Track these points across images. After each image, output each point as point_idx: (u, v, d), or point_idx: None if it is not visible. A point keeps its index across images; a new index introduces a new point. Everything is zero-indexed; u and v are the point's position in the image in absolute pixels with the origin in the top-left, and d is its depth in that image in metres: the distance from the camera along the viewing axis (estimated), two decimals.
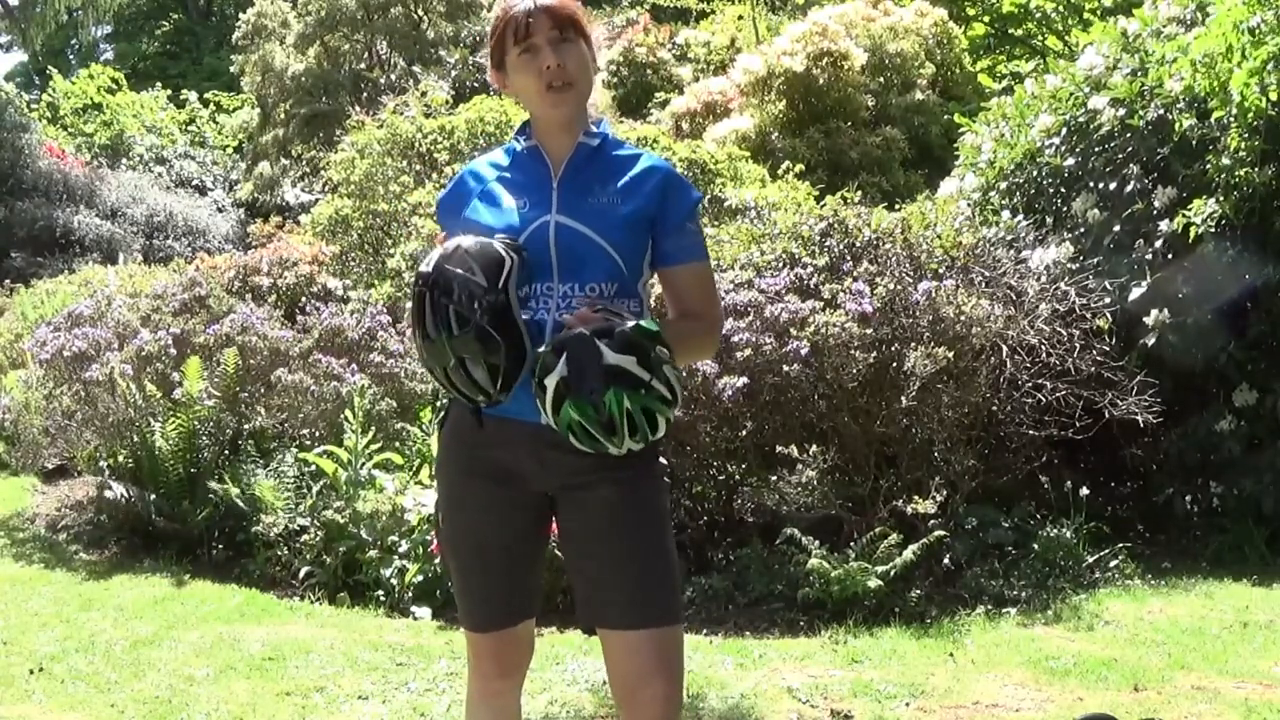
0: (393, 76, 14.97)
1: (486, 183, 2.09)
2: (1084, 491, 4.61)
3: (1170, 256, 4.86)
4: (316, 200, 10.96)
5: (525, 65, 2.02)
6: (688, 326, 2.07)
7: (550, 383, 1.82)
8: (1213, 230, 4.66)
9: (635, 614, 1.96)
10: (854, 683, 3.48)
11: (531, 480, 2.03)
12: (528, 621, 2.15)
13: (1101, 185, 5.17)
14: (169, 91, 19.95)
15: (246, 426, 5.52)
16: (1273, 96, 4.53)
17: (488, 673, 2.14)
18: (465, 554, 2.10)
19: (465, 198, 2.09)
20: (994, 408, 4.63)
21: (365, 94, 14.47)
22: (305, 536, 4.79)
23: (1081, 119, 5.36)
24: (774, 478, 4.74)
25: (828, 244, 4.92)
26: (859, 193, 5.63)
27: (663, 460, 2.11)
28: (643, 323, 1.85)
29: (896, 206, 5.52)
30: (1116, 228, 5.04)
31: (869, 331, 4.42)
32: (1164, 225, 4.85)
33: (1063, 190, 5.43)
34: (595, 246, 1.97)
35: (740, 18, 13.74)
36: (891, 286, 4.55)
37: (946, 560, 4.47)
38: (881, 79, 10.17)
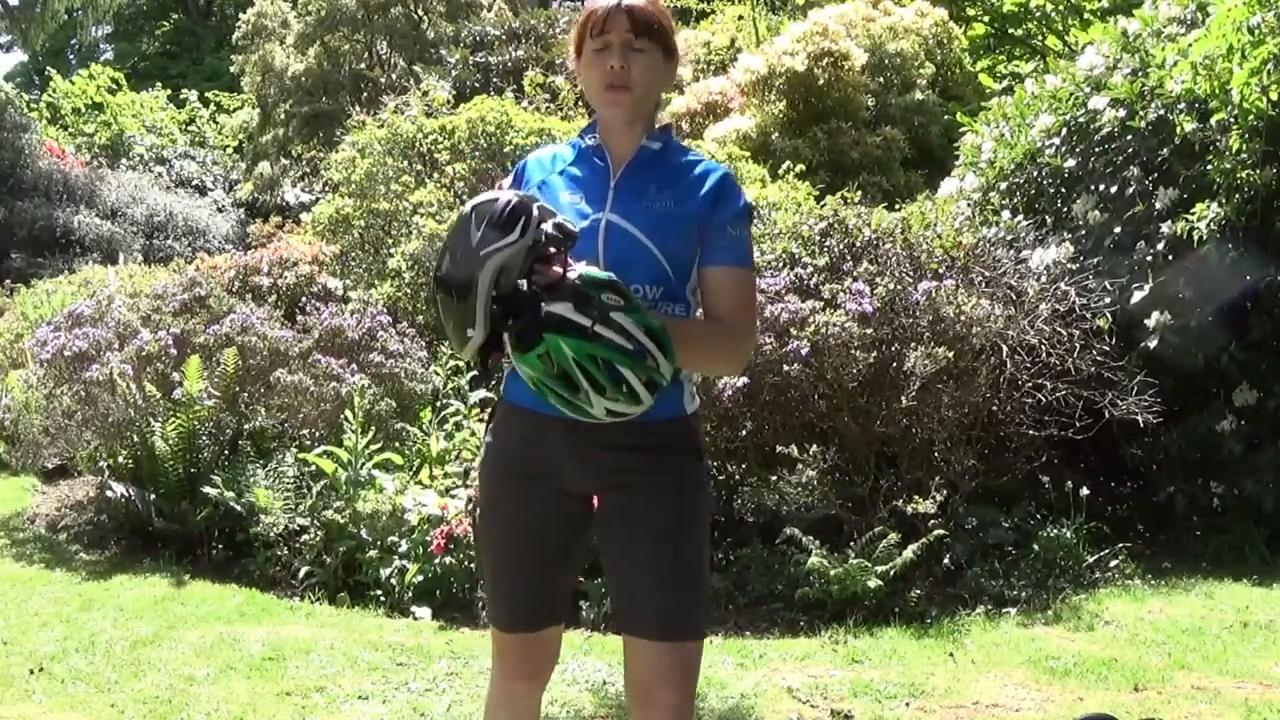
0: (393, 76, 14.95)
1: (548, 175, 2.10)
2: (1084, 491, 4.61)
3: (1171, 258, 4.86)
4: (316, 200, 10.96)
5: (594, 61, 2.05)
6: (703, 328, 2.03)
7: (508, 342, 1.83)
8: (1214, 231, 4.66)
9: (662, 628, 1.99)
10: (854, 683, 3.48)
11: (570, 479, 2.03)
12: (556, 627, 2.15)
13: (1102, 186, 5.17)
14: (169, 91, 19.93)
15: (246, 427, 5.52)
16: (1273, 97, 4.52)
17: (512, 674, 2.13)
18: (499, 552, 2.10)
19: (525, 186, 2.09)
20: (994, 408, 4.63)
21: (365, 94, 14.46)
22: (305, 536, 4.79)
23: (1082, 119, 5.36)
24: (774, 478, 4.74)
25: (828, 244, 4.92)
26: (859, 193, 5.63)
27: (707, 461, 2.10)
28: (586, 272, 1.82)
29: (896, 206, 5.52)
30: (1117, 229, 5.05)
31: (869, 331, 4.42)
32: (1165, 227, 4.85)
33: (1063, 191, 5.43)
34: (643, 249, 1.98)
35: (740, 18, 13.73)
36: (891, 286, 4.55)
37: (946, 560, 4.47)
38: (882, 79, 10.17)
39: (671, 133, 2.14)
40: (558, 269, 1.81)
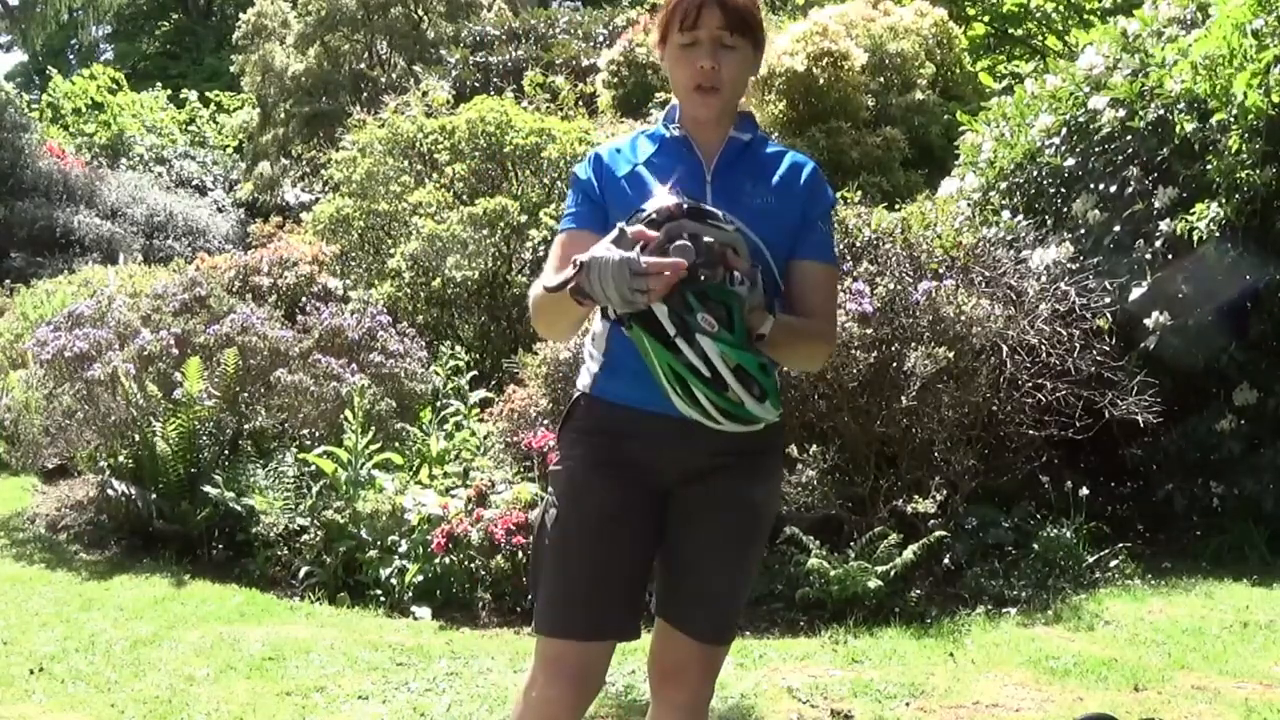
0: (393, 76, 14.96)
1: (634, 165, 1.99)
2: (1084, 491, 4.61)
3: (1170, 257, 4.86)
4: (316, 200, 10.95)
5: (683, 58, 1.96)
6: (810, 327, 1.96)
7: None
8: (1214, 231, 4.66)
9: (705, 630, 2.03)
10: (854, 683, 3.48)
11: (657, 475, 1.97)
12: (613, 644, 2.02)
13: (1102, 186, 5.17)
14: (169, 91, 19.92)
15: (246, 427, 5.52)
16: (1275, 99, 4.52)
17: (563, 691, 1.94)
18: (579, 547, 1.95)
19: (606, 176, 2.00)
20: (994, 408, 4.63)
21: (365, 94, 14.46)
22: (305, 536, 4.79)
23: (1082, 119, 5.36)
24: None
25: None
26: (859, 192, 5.63)
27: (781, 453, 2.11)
28: (724, 286, 1.73)
29: (896, 206, 5.52)
30: (1117, 228, 5.04)
31: (869, 331, 4.42)
32: (1164, 226, 4.85)
33: (1063, 190, 5.43)
34: (752, 246, 1.88)
35: None
36: (891, 286, 4.55)
37: (946, 560, 4.47)
38: (882, 79, 10.15)
39: (755, 120, 2.07)
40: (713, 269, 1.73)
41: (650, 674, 2.12)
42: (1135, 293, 4.81)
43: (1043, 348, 4.58)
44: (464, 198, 7.65)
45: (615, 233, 1.73)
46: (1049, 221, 5.35)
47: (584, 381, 2.03)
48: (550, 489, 2.05)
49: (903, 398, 4.44)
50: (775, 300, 1.91)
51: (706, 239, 1.73)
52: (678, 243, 1.71)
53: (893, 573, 4.14)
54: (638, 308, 1.70)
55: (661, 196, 1.79)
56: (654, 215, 1.76)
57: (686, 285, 1.71)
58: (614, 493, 1.96)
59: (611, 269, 1.66)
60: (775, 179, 1.99)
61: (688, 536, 2.00)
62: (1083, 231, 5.17)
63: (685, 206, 1.76)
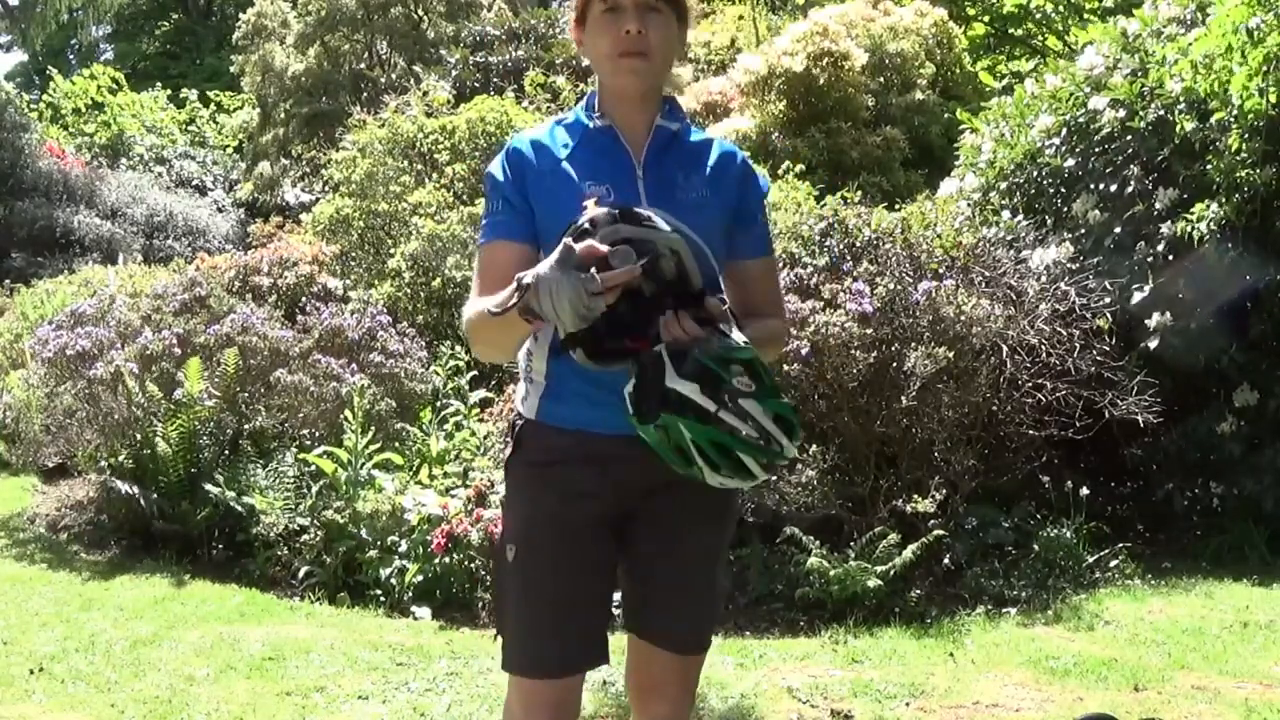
0: (393, 76, 14.96)
1: (559, 161, 1.86)
2: (1084, 491, 4.61)
3: (1171, 258, 4.86)
4: (316, 200, 10.95)
5: (605, 25, 1.83)
6: (769, 329, 1.93)
7: (625, 393, 1.71)
8: (1214, 232, 4.66)
9: (687, 644, 1.99)
10: (854, 683, 3.48)
11: (613, 497, 1.89)
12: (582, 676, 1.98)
13: (1102, 186, 5.17)
14: (169, 91, 19.92)
15: (247, 426, 5.52)
16: (1273, 98, 4.52)
17: None
18: (544, 584, 1.88)
19: (528, 172, 1.86)
20: (994, 408, 4.63)
21: (365, 94, 14.46)
22: (305, 536, 4.79)
23: (1082, 119, 5.36)
24: (774, 478, 4.74)
25: (828, 244, 4.92)
26: (859, 193, 5.63)
27: None
28: (734, 345, 1.67)
29: (896, 206, 5.52)
30: (1117, 228, 5.05)
31: (869, 331, 4.42)
32: (1165, 227, 4.85)
33: (1063, 191, 5.43)
34: (691, 242, 1.78)
35: (740, 18, 13.73)
36: (891, 286, 4.55)
37: (946, 560, 4.47)
38: (882, 79, 10.16)
39: (680, 106, 1.97)
40: (703, 329, 1.67)
41: (629, 688, 2.07)
42: (1137, 296, 4.81)
43: (1043, 348, 4.58)
44: (464, 198, 7.65)
45: (562, 251, 1.64)
46: (1049, 222, 5.35)
47: (529, 406, 1.91)
48: (506, 524, 1.98)
49: (903, 398, 4.44)
50: (718, 294, 1.84)
51: (646, 242, 1.67)
52: (619, 249, 1.64)
53: (893, 573, 4.14)
54: (591, 321, 1.64)
55: (591, 208, 1.71)
56: (586, 226, 1.67)
57: (703, 353, 1.66)
58: (572, 527, 1.88)
59: (567, 292, 1.60)
60: (708, 170, 1.90)
61: (659, 550, 1.94)
62: (1083, 232, 5.17)
63: (617, 214, 1.69)
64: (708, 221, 1.85)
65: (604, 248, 1.64)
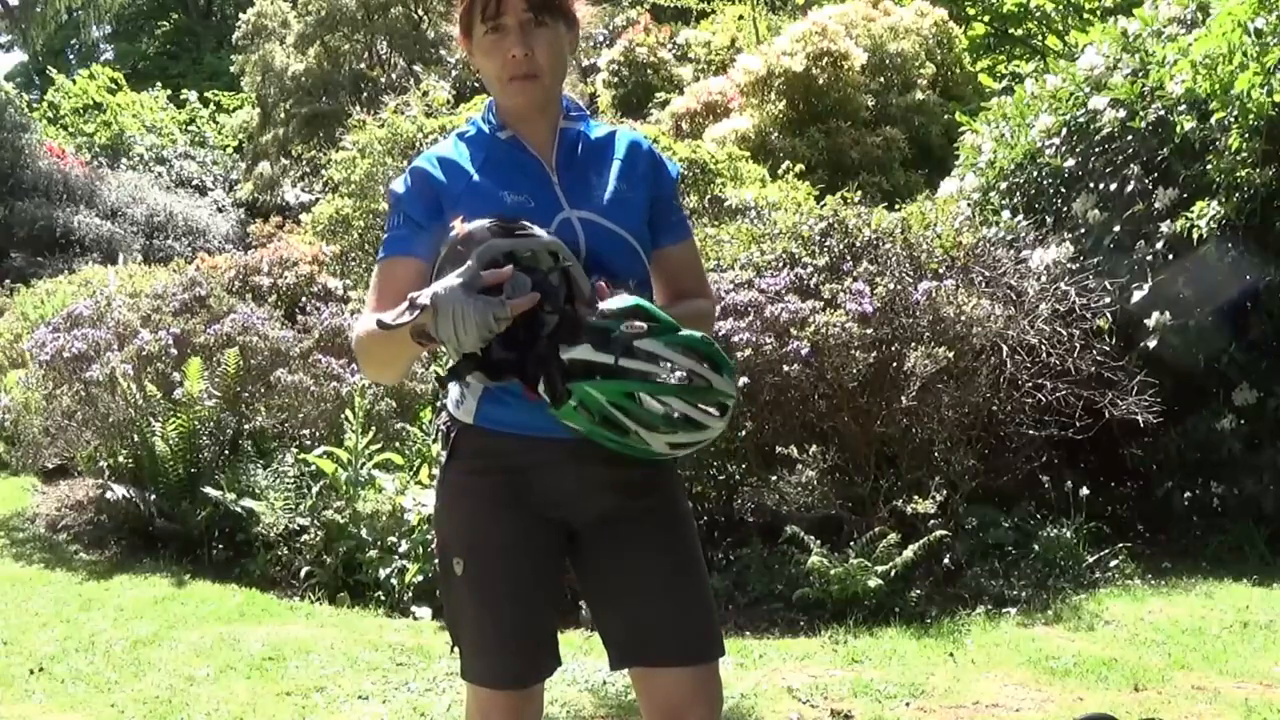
0: (393, 76, 14.98)
1: (469, 176, 1.83)
2: (1084, 491, 4.61)
3: (1171, 257, 4.86)
4: (316, 200, 10.96)
5: (490, 47, 1.81)
6: (695, 309, 1.91)
7: (544, 395, 1.69)
8: (1214, 231, 4.66)
9: (694, 652, 1.87)
10: (854, 683, 3.48)
11: (566, 506, 1.84)
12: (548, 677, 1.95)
13: (1102, 186, 5.17)
14: (169, 91, 19.94)
15: (246, 426, 5.53)
16: (1278, 98, 4.52)
17: None
18: (495, 592, 1.84)
19: (442, 192, 1.82)
20: (994, 408, 4.63)
21: (365, 94, 14.47)
22: (305, 536, 4.79)
23: (1082, 119, 5.35)
24: (774, 478, 4.74)
25: (828, 244, 4.92)
26: (859, 193, 5.63)
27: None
28: (608, 304, 1.66)
29: (896, 206, 5.52)
30: (1117, 228, 5.04)
31: (869, 331, 4.42)
32: (1165, 226, 4.85)
33: (1063, 191, 5.43)
34: (620, 240, 1.81)
35: (740, 18, 13.74)
36: (891, 286, 4.55)
37: (946, 560, 4.47)
38: (881, 79, 10.17)
39: (580, 104, 1.96)
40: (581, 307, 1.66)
41: None
42: (1137, 295, 4.81)
43: (1043, 348, 4.58)
44: None
45: (468, 274, 1.61)
46: (1049, 221, 5.35)
47: (465, 410, 1.84)
48: (443, 536, 1.93)
49: (903, 398, 4.44)
50: (647, 289, 1.84)
51: (523, 252, 1.66)
52: (515, 279, 1.63)
53: (893, 572, 4.13)
54: (487, 341, 1.62)
55: (459, 225, 1.69)
56: (459, 246, 1.66)
57: (586, 318, 1.64)
58: (517, 536, 1.83)
59: (475, 317, 1.58)
60: (618, 164, 1.89)
61: (634, 565, 1.86)
62: (1083, 231, 5.17)
63: (490, 227, 1.68)
64: (628, 214, 1.85)
65: (506, 271, 1.63)
